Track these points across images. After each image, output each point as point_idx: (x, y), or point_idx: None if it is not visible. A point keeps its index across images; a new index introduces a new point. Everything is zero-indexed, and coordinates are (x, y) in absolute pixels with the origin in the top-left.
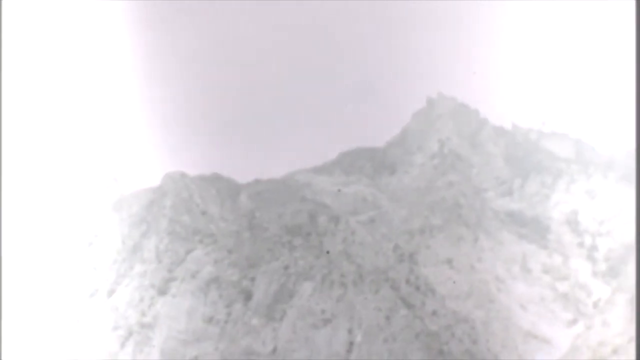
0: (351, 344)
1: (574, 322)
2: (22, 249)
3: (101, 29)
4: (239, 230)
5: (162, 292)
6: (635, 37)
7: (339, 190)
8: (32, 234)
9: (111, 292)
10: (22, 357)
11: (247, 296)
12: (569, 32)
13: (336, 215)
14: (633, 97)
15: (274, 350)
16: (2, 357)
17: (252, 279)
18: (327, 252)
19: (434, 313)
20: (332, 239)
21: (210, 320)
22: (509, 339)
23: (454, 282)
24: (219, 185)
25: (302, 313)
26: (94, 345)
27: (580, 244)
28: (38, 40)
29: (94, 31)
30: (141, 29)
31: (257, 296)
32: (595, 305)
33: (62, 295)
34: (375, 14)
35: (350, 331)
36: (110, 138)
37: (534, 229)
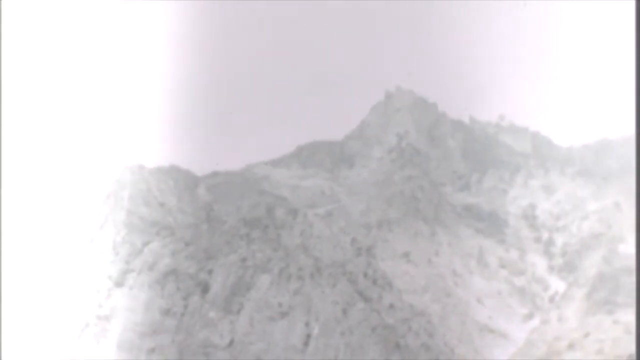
0: (308, 336)
1: (530, 316)
2: None
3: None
4: (197, 223)
5: (119, 284)
6: (635, 37)
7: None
8: None
9: (68, 284)
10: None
11: (205, 289)
12: (526, 27)
13: (294, 209)
14: (595, 91)
15: (231, 342)
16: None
17: (210, 272)
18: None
19: (391, 306)
20: (290, 232)
21: (167, 312)
22: (465, 333)
23: (411, 276)
24: (177, 178)
25: (259, 306)
26: (50, 337)
27: (537, 239)
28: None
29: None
30: (99, 25)
31: (215, 289)
32: (551, 299)
33: (17, 287)
34: (334, 10)
35: (307, 324)
36: (70, 130)
37: (491, 223)
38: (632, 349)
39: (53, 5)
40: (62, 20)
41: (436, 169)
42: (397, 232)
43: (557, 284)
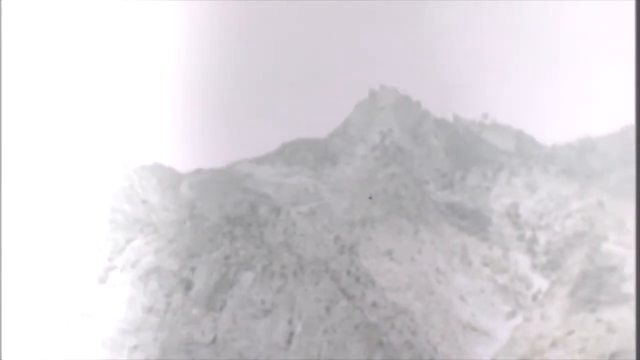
0: (291, 334)
1: (513, 314)
2: None
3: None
4: (180, 220)
5: (102, 281)
6: (635, 37)
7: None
8: None
9: (50, 281)
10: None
11: (187, 286)
12: (509, 27)
13: (277, 206)
14: (578, 90)
15: (214, 340)
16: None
17: (193, 269)
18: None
19: (374, 304)
20: (273, 229)
21: (150, 310)
22: (448, 331)
23: (394, 274)
24: (160, 175)
25: (242, 303)
26: (32, 335)
27: (521, 237)
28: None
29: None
30: (84, 25)
31: (197, 286)
32: (534, 298)
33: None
34: (319, 9)
35: (290, 322)
36: (53, 128)
37: (474, 221)
38: (615, 347)
39: (47, 6)
40: (51, 20)
41: (420, 167)
42: (380, 229)
43: (540, 282)
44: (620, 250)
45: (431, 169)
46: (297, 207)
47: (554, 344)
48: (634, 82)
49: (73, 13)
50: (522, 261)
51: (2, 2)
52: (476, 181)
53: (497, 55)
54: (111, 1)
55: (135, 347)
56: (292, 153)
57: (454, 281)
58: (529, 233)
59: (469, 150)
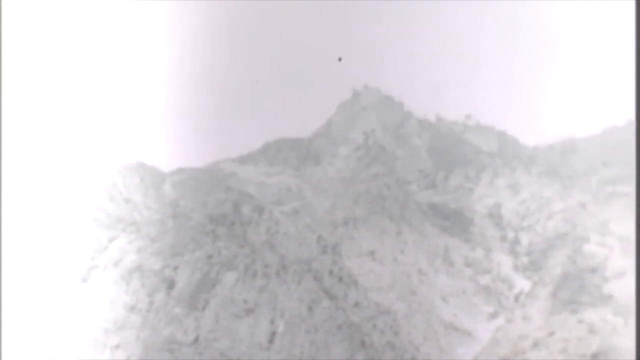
0: (273, 334)
1: (494, 315)
2: None
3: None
4: (163, 219)
5: (84, 279)
6: (635, 37)
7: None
8: None
9: (31, 280)
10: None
11: (170, 285)
12: (492, 28)
13: (260, 205)
14: (560, 91)
15: (196, 339)
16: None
17: (175, 268)
18: None
19: (357, 304)
20: (256, 229)
21: (132, 308)
22: (430, 331)
23: (377, 274)
24: (143, 174)
25: (224, 303)
26: (14, 334)
27: (503, 238)
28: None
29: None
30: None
31: (180, 285)
32: (516, 298)
33: None
34: (302, 9)
35: (272, 321)
36: (38, 126)
37: (456, 222)
38: (596, 348)
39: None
40: (46, 20)
41: (402, 167)
42: (362, 230)
43: (522, 283)
44: (602, 251)
45: (414, 169)
46: (280, 206)
47: (535, 345)
48: (634, 81)
49: (64, 13)
50: (504, 262)
51: (2, 2)
52: (459, 182)
53: (480, 56)
54: (95, 1)
55: (117, 346)
56: (275, 152)
57: (436, 282)
58: (511, 234)
59: (451, 151)
